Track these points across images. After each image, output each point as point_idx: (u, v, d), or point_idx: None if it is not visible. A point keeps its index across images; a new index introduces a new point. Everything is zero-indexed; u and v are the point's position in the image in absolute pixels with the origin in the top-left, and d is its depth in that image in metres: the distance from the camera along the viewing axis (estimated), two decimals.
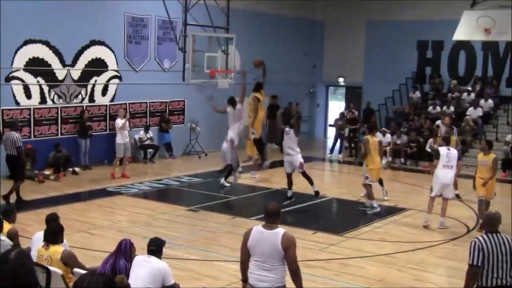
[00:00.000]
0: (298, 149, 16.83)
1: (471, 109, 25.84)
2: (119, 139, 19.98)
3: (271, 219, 7.05)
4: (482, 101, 26.34)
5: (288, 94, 29.35)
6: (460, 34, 24.14)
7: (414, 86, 29.00)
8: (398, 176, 22.66)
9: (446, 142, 15.39)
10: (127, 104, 22.94)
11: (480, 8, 23.36)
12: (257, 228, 7.05)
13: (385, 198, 17.80)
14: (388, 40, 30.03)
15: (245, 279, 7.15)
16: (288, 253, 6.81)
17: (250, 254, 7.03)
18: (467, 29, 23.73)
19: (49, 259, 8.12)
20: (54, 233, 8.44)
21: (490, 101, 26.32)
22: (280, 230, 6.94)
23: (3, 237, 8.89)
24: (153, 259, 7.66)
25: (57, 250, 8.20)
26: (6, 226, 9.16)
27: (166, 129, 24.27)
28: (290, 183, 17.04)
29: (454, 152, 15.04)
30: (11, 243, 8.76)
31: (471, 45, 28.16)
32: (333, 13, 31.48)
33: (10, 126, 17.31)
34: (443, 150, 14.94)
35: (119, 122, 19.92)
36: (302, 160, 16.87)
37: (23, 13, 19.24)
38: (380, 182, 17.75)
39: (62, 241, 8.48)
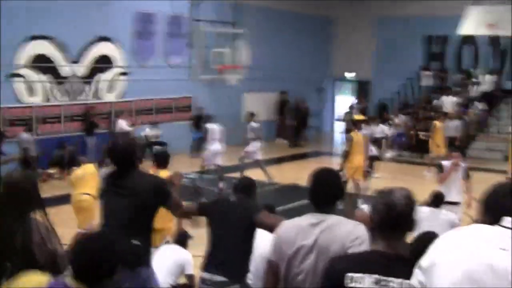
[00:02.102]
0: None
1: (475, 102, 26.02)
2: None
3: None
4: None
5: (297, 89, 29.35)
6: (465, 28, 24.33)
7: (423, 70, 29.25)
8: (402, 169, 22.54)
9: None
10: (134, 101, 23.03)
11: (484, 3, 23.52)
12: None
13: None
14: (396, 36, 30.01)
15: None
16: None
17: None
18: (471, 23, 23.96)
19: None
20: (164, 158, 10.14)
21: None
22: None
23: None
24: (177, 248, 8.13)
25: (164, 174, 9.20)
26: None
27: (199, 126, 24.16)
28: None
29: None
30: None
31: (476, 40, 28.26)
32: (342, 9, 31.42)
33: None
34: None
35: (123, 123, 19.60)
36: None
37: (27, 9, 19.17)
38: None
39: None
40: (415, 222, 3.65)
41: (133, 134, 20.04)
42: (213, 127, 18.49)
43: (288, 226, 4.61)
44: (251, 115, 19.80)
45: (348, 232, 4.36)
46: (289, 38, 29.42)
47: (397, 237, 3.61)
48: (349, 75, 32.14)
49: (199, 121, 23.67)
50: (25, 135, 16.40)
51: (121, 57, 22.55)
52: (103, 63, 21.95)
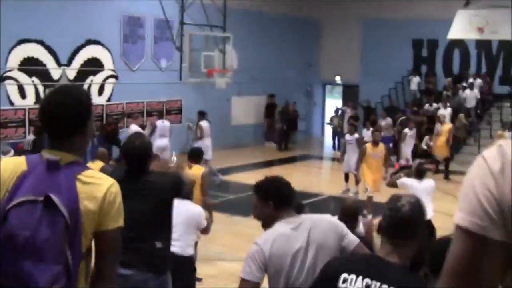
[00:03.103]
0: None
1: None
2: None
3: None
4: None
5: (285, 93, 29.34)
6: (454, 33, 24.43)
7: (412, 75, 29.30)
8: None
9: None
10: (124, 104, 23.01)
11: (473, 7, 23.61)
12: None
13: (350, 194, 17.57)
14: (384, 39, 29.96)
15: None
16: None
17: None
18: (461, 28, 24.04)
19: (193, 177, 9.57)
20: (198, 154, 10.65)
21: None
22: None
23: None
24: (187, 203, 8.01)
25: (198, 169, 10.21)
26: None
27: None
28: None
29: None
30: None
31: (465, 44, 28.39)
32: (329, 12, 31.43)
33: None
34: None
35: (135, 129, 19.12)
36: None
37: (18, 12, 19.08)
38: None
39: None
40: (422, 232, 3.61)
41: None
42: (165, 124, 19.81)
43: (271, 239, 4.43)
44: (201, 114, 20.68)
45: (331, 223, 4.56)
46: (276, 40, 29.39)
47: (401, 244, 3.54)
48: (338, 78, 32.16)
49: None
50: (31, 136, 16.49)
51: (110, 60, 22.50)
52: (93, 66, 21.89)
